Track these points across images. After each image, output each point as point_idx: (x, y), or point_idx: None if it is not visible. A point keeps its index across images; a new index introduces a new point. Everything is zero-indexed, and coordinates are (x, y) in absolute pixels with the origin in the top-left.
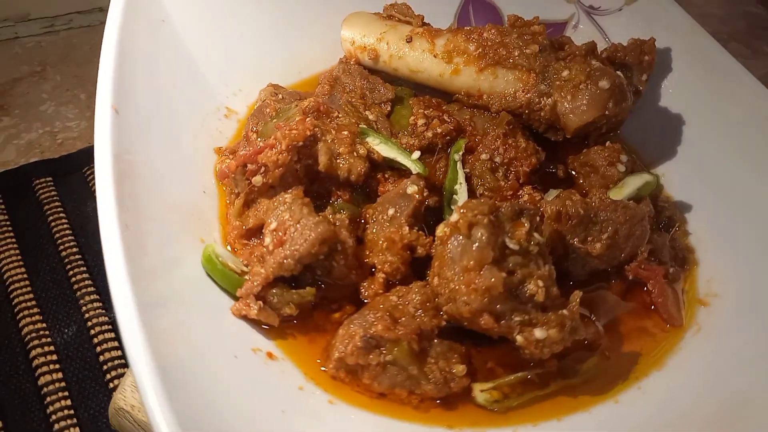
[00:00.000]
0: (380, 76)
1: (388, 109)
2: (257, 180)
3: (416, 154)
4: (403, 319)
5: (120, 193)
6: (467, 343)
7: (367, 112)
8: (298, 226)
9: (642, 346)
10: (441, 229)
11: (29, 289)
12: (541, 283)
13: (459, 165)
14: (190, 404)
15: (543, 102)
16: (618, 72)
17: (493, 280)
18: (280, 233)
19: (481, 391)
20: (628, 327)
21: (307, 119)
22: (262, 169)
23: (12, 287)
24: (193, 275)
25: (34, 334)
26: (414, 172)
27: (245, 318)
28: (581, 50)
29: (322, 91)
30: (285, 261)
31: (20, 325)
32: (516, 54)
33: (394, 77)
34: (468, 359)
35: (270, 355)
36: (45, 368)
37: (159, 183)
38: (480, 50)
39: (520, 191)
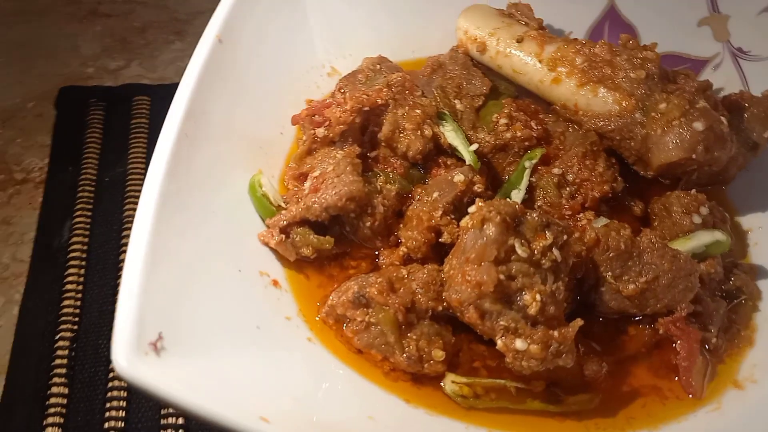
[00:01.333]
0: (485, 71)
1: (480, 102)
2: (320, 131)
3: (474, 146)
4: (402, 290)
5: (193, 107)
6: (463, 336)
7: (456, 101)
8: (335, 179)
9: (646, 404)
10: (465, 220)
11: (141, 180)
12: (538, 297)
13: (527, 172)
14: (167, 287)
15: (635, 131)
16: (722, 118)
17: (486, 276)
18: (319, 181)
19: (452, 382)
20: (642, 381)
21: (384, 90)
22: (327, 122)
23: (129, 176)
24: (236, 196)
25: (130, 219)
26: (467, 162)
27: (268, 246)
28: (692, 86)
29: (423, 72)
30: (313, 205)
31: (124, 208)
32: (621, 76)
33: (501, 76)
34: (456, 350)
35: (275, 282)
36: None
37: (238, 111)
38: (586, 64)
39: (580, 214)
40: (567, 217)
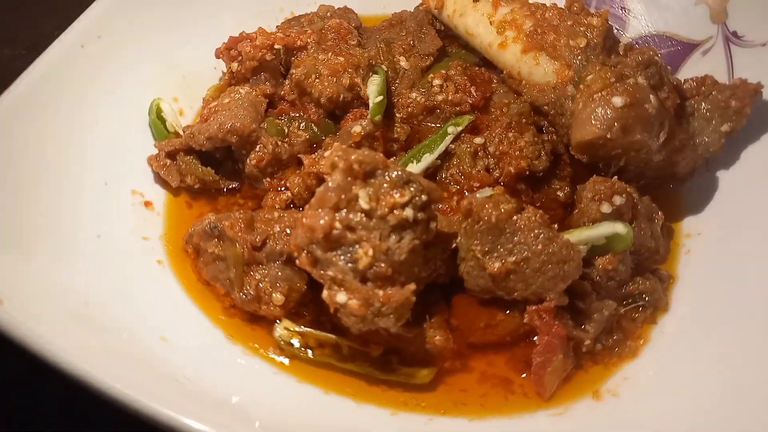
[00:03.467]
0: (448, 33)
1: (428, 63)
2: (233, 66)
3: (379, 98)
4: (259, 229)
5: (103, 21)
6: (318, 287)
7: (401, 57)
8: (226, 111)
9: (487, 393)
10: None
11: None
12: (370, 252)
13: (448, 138)
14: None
15: (566, 106)
16: (652, 97)
17: (319, 222)
18: (212, 112)
19: (284, 328)
20: (495, 370)
21: (308, 32)
22: (240, 57)
23: None
24: (138, 116)
25: None
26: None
27: (152, 168)
28: (635, 59)
29: (380, 26)
30: (197, 134)
31: None
32: (562, 43)
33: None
34: (306, 300)
35: (147, 203)
36: None
37: (165, 38)
38: (532, 29)
39: (489, 188)
40: (475, 188)
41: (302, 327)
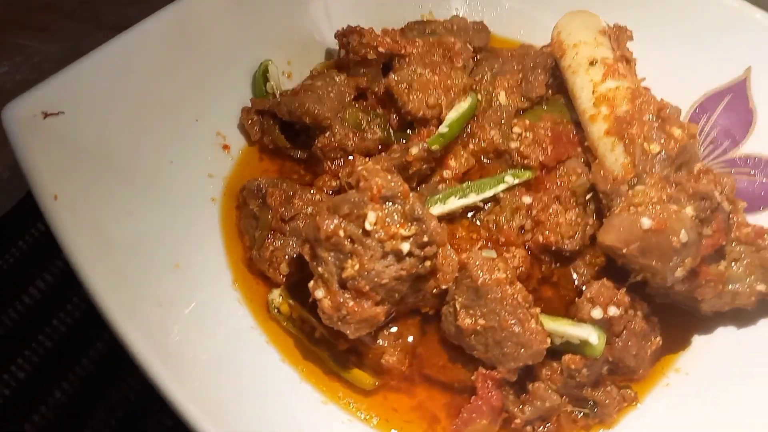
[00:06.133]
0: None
1: (526, 105)
2: (341, 52)
3: (445, 129)
4: (296, 205)
5: None
6: None
7: (501, 92)
8: (310, 93)
9: (412, 420)
10: None
11: None
12: (356, 267)
13: (501, 186)
14: (98, 87)
15: (615, 203)
16: (684, 232)
17: (325, 224)
18: (303, 89)
19: (279, 294)
20: (432, 406)
21: (417, 42)
22: (349, 46)
23: None
24: (248, 69)
25: None
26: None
27: (241, 119)
28: (694, 187)
29: (501, 53)
30: (281, 104)
31: None
32: (639, 141)
33: None
34: (308, 280)
35: (226, 147)
36: None
37: (301, 7)
38: (624, 114)
39: (513, 248)
40: (501, 244)
41: (293, 300)
